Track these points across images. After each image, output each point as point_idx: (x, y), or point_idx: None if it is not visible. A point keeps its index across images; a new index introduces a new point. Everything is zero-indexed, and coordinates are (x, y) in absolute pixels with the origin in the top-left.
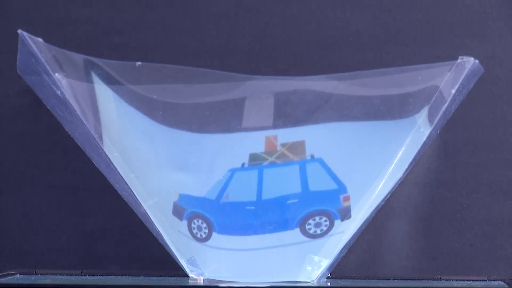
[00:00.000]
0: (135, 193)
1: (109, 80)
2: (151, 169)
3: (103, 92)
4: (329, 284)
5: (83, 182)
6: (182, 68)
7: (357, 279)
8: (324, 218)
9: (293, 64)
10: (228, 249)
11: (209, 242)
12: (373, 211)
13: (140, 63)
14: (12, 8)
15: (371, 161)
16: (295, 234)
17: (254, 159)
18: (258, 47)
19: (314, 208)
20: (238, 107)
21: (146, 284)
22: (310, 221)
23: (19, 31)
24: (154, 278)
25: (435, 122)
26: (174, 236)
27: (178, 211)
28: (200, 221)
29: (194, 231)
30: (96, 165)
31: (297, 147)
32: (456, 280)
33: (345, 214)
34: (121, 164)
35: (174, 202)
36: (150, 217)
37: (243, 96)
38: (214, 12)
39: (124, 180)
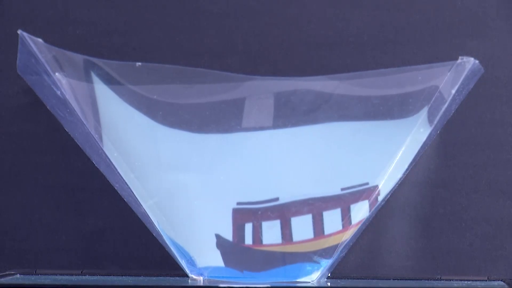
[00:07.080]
0: (135, 193)
1: (109, 80)
2: (151, 169)
3: (103, 92)
4: (329, 284)
5: (83, 182)
6: (182, 69)
7: (357, 279)
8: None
9: (293, 64)
10: (227, 249)
11: (209, 242)
12: (373, 211)
13: (140, 63)
14: (12, 8)
15: (371, 161)
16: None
17: None
18: (258, 47)
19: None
20: (238, 107)
21: (146, 284)
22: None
23: (19, 31)
24: (154, 278)
25: (435, 122)
26: (174, 236)
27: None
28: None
29: None
30: (96, 165)
31: None
32: (456, 280)
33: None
34: (121, 164)
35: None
36: (150, 217)
37: (243, 96)
38: (214, 12)
39: (124, 180)
